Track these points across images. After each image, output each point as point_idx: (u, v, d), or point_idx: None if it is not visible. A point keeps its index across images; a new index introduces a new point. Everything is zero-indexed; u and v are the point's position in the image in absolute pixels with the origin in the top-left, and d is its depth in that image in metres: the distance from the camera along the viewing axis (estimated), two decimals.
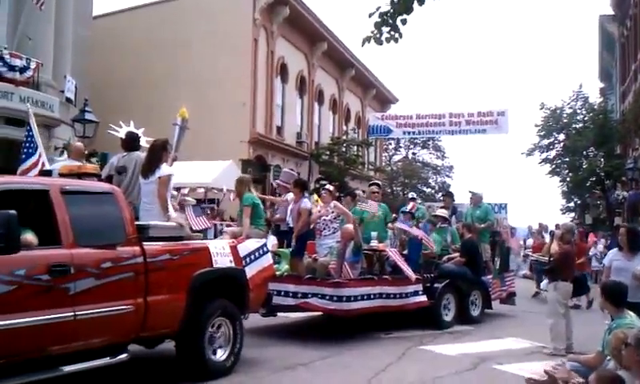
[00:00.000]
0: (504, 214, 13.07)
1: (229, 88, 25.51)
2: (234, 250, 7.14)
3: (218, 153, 21.56)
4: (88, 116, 17.12)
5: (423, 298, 9.84)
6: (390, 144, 49.16)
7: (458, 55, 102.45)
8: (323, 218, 9.46)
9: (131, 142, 7.76)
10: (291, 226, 9.79)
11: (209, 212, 21.79)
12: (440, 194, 44.65)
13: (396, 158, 52.95)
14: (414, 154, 52.78)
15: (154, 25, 26.90)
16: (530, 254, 17.02)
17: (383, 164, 44.87)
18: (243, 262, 7.20)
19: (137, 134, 8.00)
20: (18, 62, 18.18)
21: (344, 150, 31.75)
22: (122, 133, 8.11)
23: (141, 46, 26.71)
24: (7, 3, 19.22)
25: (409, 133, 25.86)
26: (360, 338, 9.20)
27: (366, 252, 9.82)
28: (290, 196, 10.11)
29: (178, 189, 19.90)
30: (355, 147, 32.86)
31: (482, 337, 9.97)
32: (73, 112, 19.33)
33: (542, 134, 39.83)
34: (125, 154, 7.68)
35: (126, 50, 26.85)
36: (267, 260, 7.56)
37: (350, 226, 9.17)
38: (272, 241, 9.85)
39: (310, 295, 8.76)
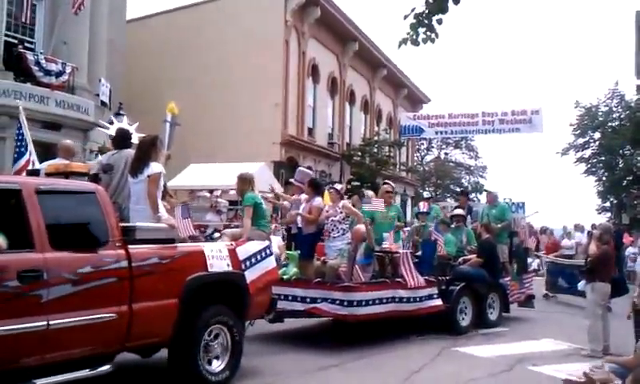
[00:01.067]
0: (521, 213, 12.16)
1: (261, 90, 25.09)
2: (232, 252, 6.56)
3: (250, 154, 21.07)
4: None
5: (438, 302, 9.16)
6: (422, 144, 48.06)
7: (491, 53, 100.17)
8: (331, 218, 8.79)
9: (122, 140, 7.18)
10: (300, 226, 9.11)
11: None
12: (473, 194, 43.53)
13: (428, 158, 51.92)
14: (446, 154, 51.56)
15: (185, 28, 26.59)
16: (543, 255, 16.06)
17: (415, 164, 43.81)
18: (243, 265, 6.63)
19: (128, 131, 7.43)
20: (53, 67, 18.14)
21: (376, 150, 30.97)
22: (112, 130, 7.54)
23: (174, 48, 26.43)
24: (43, 9, 19.19)
25: (441, 132, 24.92)
26: (392, 340, 8.81)
27: (377, 254, 9.12)
28: (303, 196, 9.42)
29: (211, 191, 19.64)
30: (387, 148, 32.04)
31: (517, 338, 9.63)
32: (107, 115, 19.12)
33: (577, 132, 38.73)
34: (115, 151, 7.12)
35: (160, 54, 26.58)
36: (270, 263, 6.96)
37: (361, 227, 8.49)
38: (277, 242, 9.22)
39: (319, 300, 8.12)
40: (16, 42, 17.83)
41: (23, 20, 18.19)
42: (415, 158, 45.38)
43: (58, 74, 18.23)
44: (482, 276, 10.01)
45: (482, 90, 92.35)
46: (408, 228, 10.75)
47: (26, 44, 18.15)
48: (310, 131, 28.71)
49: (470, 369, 7.42)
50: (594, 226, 16.57)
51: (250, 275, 6.64)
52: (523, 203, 12.37)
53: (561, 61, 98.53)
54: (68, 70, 18.29)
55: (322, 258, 8.66)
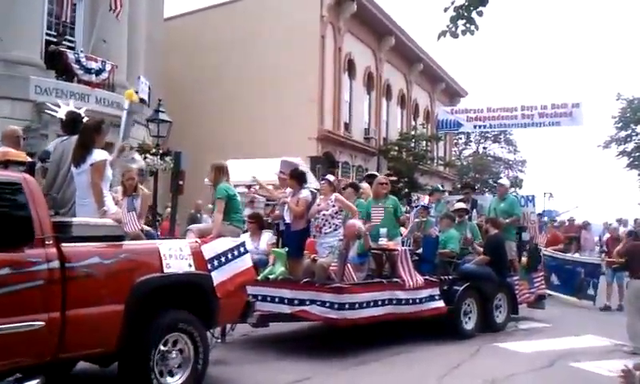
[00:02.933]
0: (531, 207, 10.72)
1: (297, 85, 24.18)
2: (196, 251, 5.54)
3: (286, 150, 20.03)
4: (162, 116, 16.26)
5: (440, 304, 7.96)
6: (460, 138, 46.01)
7: (530, 45, 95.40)
8: (323, 212, 7.59)
9: (73, 124, 6.12)
10: (288, 222, 7.94)
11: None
12: (512, 189, 41.34)
13: (466, 152, 49.61)
14: (484, 148, 49.21)
15: (222, 25, 25.84)
16: (543, 248, 14.37)
17: (453, 159, 41.91)
18: (209, 265, 5.61)
19: (79, 114, 6.40)
20: (93, 65, 17.84)
21: (413, 145, 29.50)
22: (61, 112, 6.50)
23: (210, 46, 25.72)
24: (83, 9, 18.88)
25: (479, 127, 23.46)
26: (432, 335, 8.19)
27: (374, 251, 7.90)
28: (288, 190, 8.21)
29: (248, 186, 18.91)
30: (424, 142, 30.49)
31: (558, 334, 9.11)
32: (147, 112, 18.65)
33: (618, 125, 36.53)
34: (65, 137, 6.10)
35: (196, 51, 25.94)
36: (244, 262, 5.94)
37: (355, 222, 7.28)
38: (267, 239, 8.09)
39: (307, 302, 6.98)
40: (56, 40, 17.53)
41: (63, 19, 17.90)
42: (453, 153, 43.49)
43: (98, 72, 17.98)
44: (489, 275, 8.74)
45: (521, 83, 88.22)
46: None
47: (67, 42, 17.85)
48: (347, 126, 27.60)
49: (510, 364, 6.99)
50: (637, 222, 15.03)
51: (219, 276, 5.64)
52: (533, 197, 10.98)
53: (602, 52, 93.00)
54: (108, 67, 17.99)
55: (312, 256, 7.49)
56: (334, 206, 7.57)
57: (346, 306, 6.86)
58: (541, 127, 19.61)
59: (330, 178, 8.12)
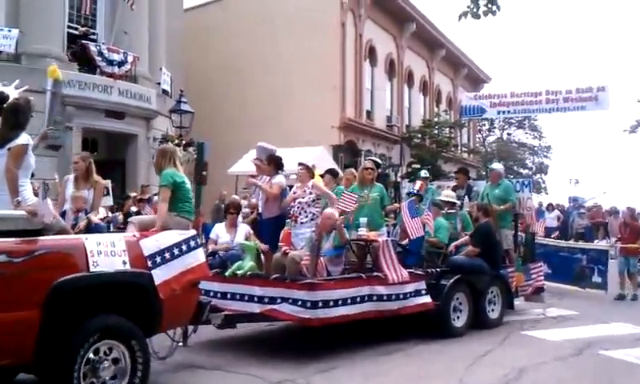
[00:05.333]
0: (527, 192, 9.47)
1: (318, 74, 23.20)
2: (132, 246, 4.65)
3: (308, 139, 19.25)
4: (184, 107, 15.64)
5: (427, 299, 6.89)
6: (484, 125, 44.01)
7: (555, 27, 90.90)
8: (299, 200, 6.59)
9: None
10: (260, 212, 6.96)
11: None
12: (538, 175, 39.42)
13: (490, 138, 47.48)
14: (509, 134, 47.12)
15: (242, 14, 24.92)
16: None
17: (477, 145, 40.11)
18: (149, 262, 4.71)
19: (2, 92, 5.50)
20: (115, 57, 17.32)
21: (436, 132, 28.11)
22: None
23: (230, 35, 24.85)
24: (103, 1, 18.31)
25: (503, 112, 22.12)
26: None
27: (355, 242, 6.88)
28: (265, 178, 7.18)
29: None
30: (447, 129, 29.04)
31: (586, 322, 8.72)
32: (169, 103, 18.19)
33: None
34: None
35: (217, 41, 25.05)
36: (195, 258, 5.04)
37: (332, 214, 6.25)
38: (244, 231, 7.08)
39: (278, 300, 6.02)
40: (78, 33, 17.05)
41: (84, 11, 17.39)
42: (477, 139, 41.70)
43: (121, 64, 17.48)
44: (480, 267, 7.60)
45: (545, 67, 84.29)
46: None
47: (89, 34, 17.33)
48: (369, 114, 26.48)
49: (538, 353, 6.68)
50: None
51: (162, 274, 4.75)
52: (529, 182, 9.73)
53: (628, 34, 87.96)
54: (130, 59, 17.49)
55: (284, 249, 6.51)
56: (310, 193, 6.56)
57: (320, 304, 5.87)
58: (566, 112, 18.38)
59: (309, 164, 7.09)
